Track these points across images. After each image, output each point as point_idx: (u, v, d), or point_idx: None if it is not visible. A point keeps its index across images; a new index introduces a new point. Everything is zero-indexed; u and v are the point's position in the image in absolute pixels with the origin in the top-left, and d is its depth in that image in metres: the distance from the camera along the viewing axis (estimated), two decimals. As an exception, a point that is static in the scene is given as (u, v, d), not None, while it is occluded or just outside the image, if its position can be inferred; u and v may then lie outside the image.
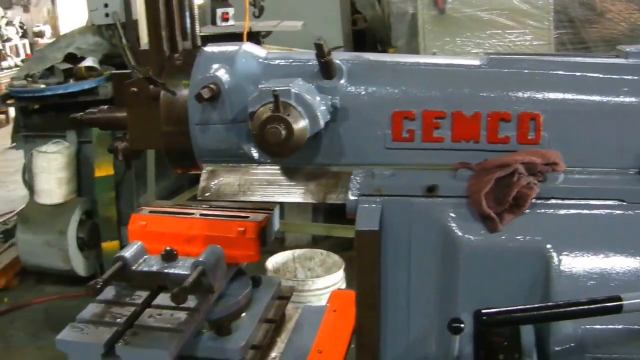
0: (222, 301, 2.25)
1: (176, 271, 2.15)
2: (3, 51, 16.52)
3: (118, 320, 2.04)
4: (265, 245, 2.33)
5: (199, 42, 2.29)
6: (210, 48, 2.20)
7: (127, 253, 2.18)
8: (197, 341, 2.18)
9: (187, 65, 2.15)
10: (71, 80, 6.45)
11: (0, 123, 14.14)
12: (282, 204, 7.05)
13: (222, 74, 2.07)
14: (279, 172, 2.20)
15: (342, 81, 2.09)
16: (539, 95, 2.09)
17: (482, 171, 2.01)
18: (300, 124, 1.94)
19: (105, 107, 2.36)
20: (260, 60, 2.18)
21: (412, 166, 2.11)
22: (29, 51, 17.21)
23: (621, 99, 2.08)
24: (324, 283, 5.26)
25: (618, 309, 1.73)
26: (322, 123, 1.99)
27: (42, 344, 5.86)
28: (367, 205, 2.02)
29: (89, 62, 6.56)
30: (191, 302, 2.07)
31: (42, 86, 6.42)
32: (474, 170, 2.04)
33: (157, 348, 1.92)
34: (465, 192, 2.01)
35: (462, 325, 1.79)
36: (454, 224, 1.99)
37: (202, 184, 2.20)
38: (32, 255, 6.71)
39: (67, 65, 6.57)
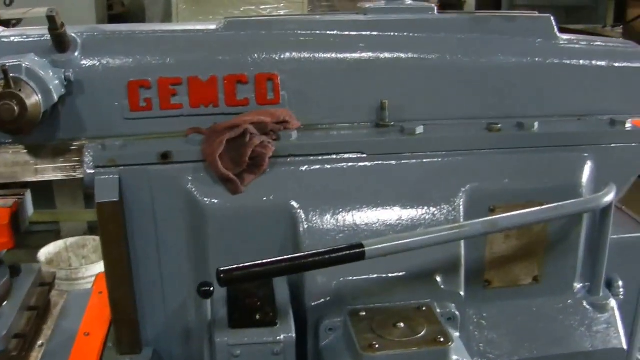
0: (-22, 294, 2.21)
1: None
2: None
3: None
4: (19, 231, 2.28)
5: None
6: None
7: None
8: (-44, 338, 2.12)
9: None
10: None
11: None
12: (52, 193, 6.82)
13: None
14: (23, 151, 2.14)
15: (77, 54, 2.07)
16: (276, 56, 2.15)
17: (213, 134, 2.05)
18: (33, 99, 1.89)
19: None
20: None
21: (153, 135, 2.11)
22: None
23: (358, 54, 2.19)
24: (98, 269, 5.16)
25: (361, 256, 1.78)
26: (55, 97, 1.96)
27: None
28: (104, 177, 2.01)
29: None
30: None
31: None
32: (204, 134, 2.08)
33: None
34: (200, 157, 2.04)
35: (211, 289, 1.79)
36: (195, 189, 2.03)
37: None
38: None
39: None
